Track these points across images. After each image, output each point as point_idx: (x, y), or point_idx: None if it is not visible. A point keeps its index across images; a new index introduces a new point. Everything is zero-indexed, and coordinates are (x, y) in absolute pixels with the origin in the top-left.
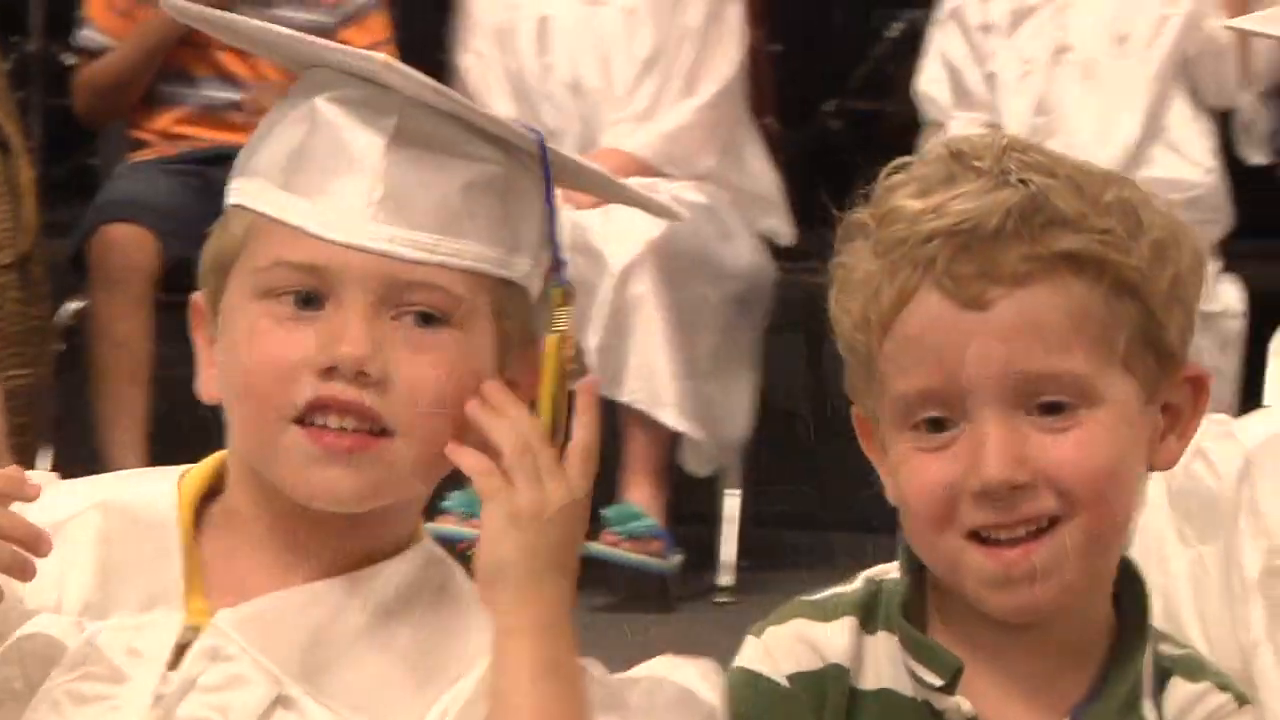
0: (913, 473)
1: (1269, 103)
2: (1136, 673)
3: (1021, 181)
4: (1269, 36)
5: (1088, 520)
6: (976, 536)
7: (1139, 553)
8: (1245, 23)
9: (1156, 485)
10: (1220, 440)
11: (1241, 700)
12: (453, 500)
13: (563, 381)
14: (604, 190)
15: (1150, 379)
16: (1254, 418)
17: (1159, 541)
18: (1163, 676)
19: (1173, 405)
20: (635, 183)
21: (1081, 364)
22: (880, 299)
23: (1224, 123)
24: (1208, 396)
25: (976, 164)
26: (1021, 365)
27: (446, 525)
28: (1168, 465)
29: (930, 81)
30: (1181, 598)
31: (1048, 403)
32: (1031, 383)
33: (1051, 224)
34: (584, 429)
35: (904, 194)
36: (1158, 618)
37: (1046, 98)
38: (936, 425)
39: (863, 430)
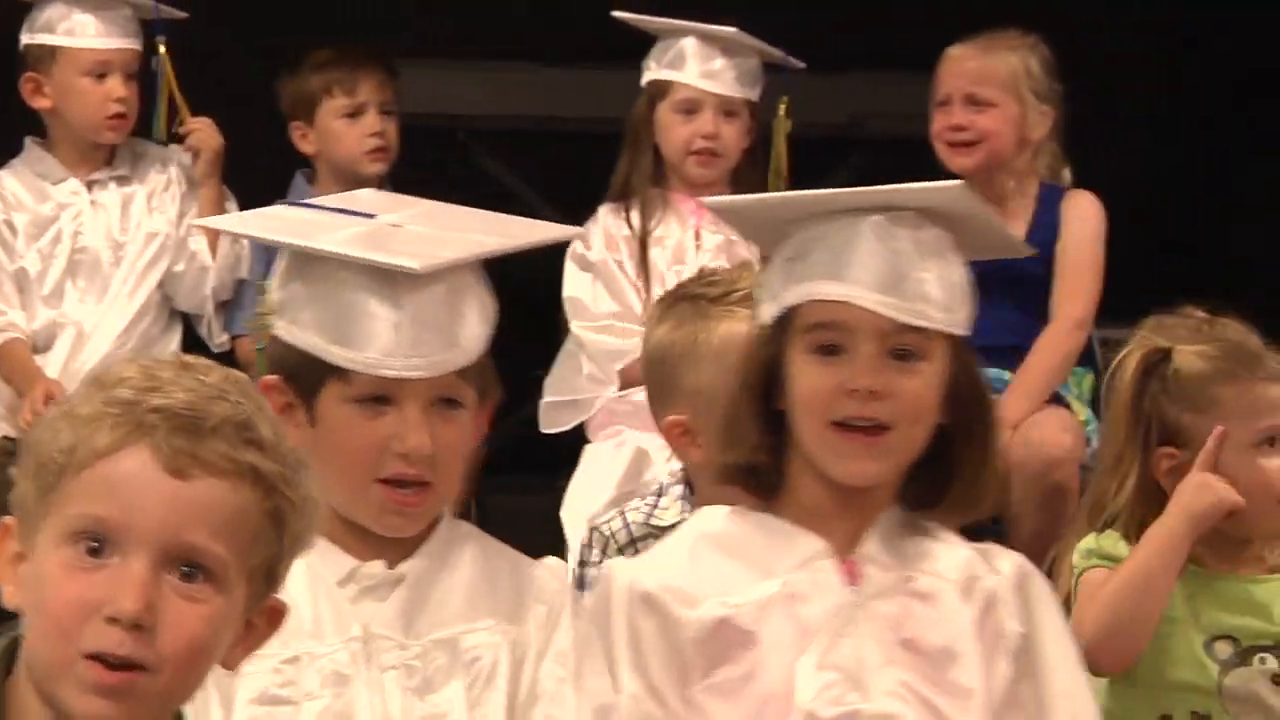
0: (59, 586)
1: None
2: None
3: (237, 401)
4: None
5: (169, 680)
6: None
7: None
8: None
9: None
10: None
11: None
12: None
13: None
14: None
15: (256, 595)
16: None
17: None
18: None
19: (252, 623)
20: None
21: (228, 553)
22: (95, 439)
23: None
24: (278, 627)
25: (201, 377)
26: (184, 535)
27: None
28: (229, 667)
29: None
30: None
31: (190, 568)
32: (185, 550)
33: (252, 442)
34: None
35: (129, 385)
36: None
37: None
38: (95, 552)
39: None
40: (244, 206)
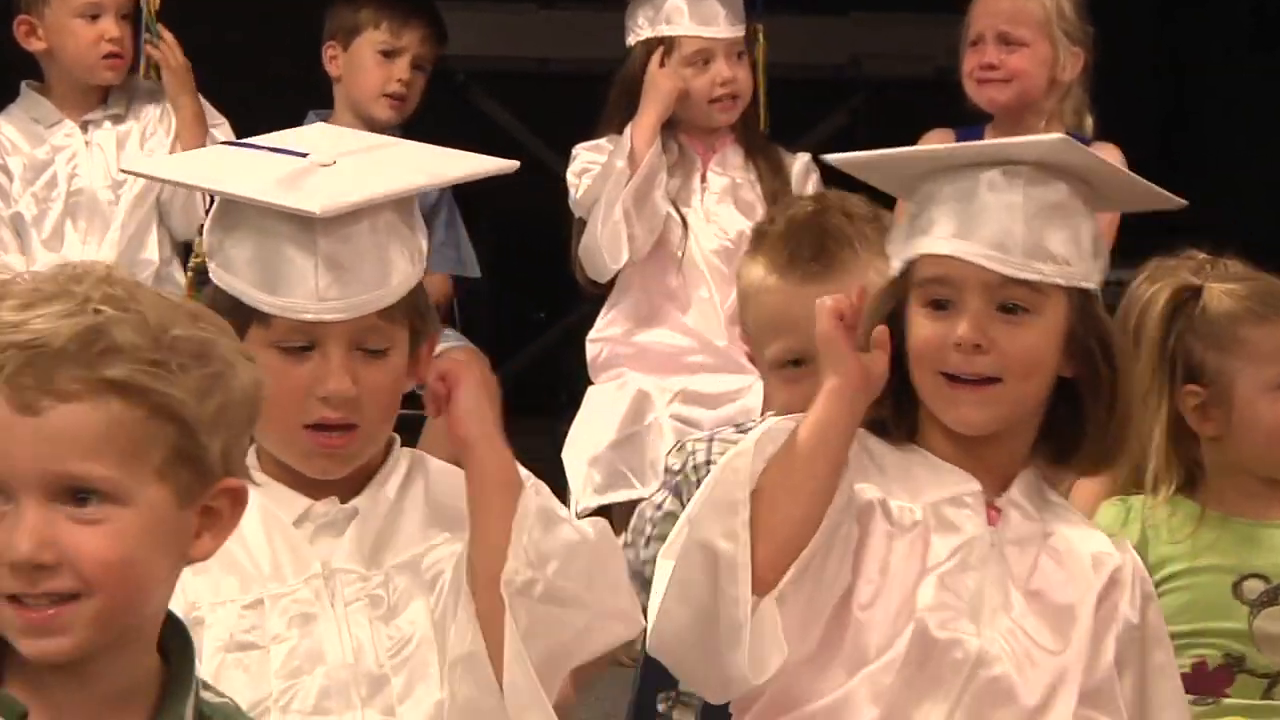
0: None
1: None
2: (180, 716)
3: (96, 310)
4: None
5: (103, 600)
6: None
7: None
8: None
9: None
10: None
11: None
12: None
13: None
14: None
15: (185, 488)
16: None
17: None
18: None
19: (212, 509)
20: None
21: (111, 470)
22: None
23: None
24: (244, 504)
25: (73, 288)
26: (56, 466)
27: None
28: (200, 557)
29: None
30: None
31: (80, 494)
32: (64, 479)
33: (106, 352)
34: None
35: (5, 306)
36: None
37: None
38: None
39: None
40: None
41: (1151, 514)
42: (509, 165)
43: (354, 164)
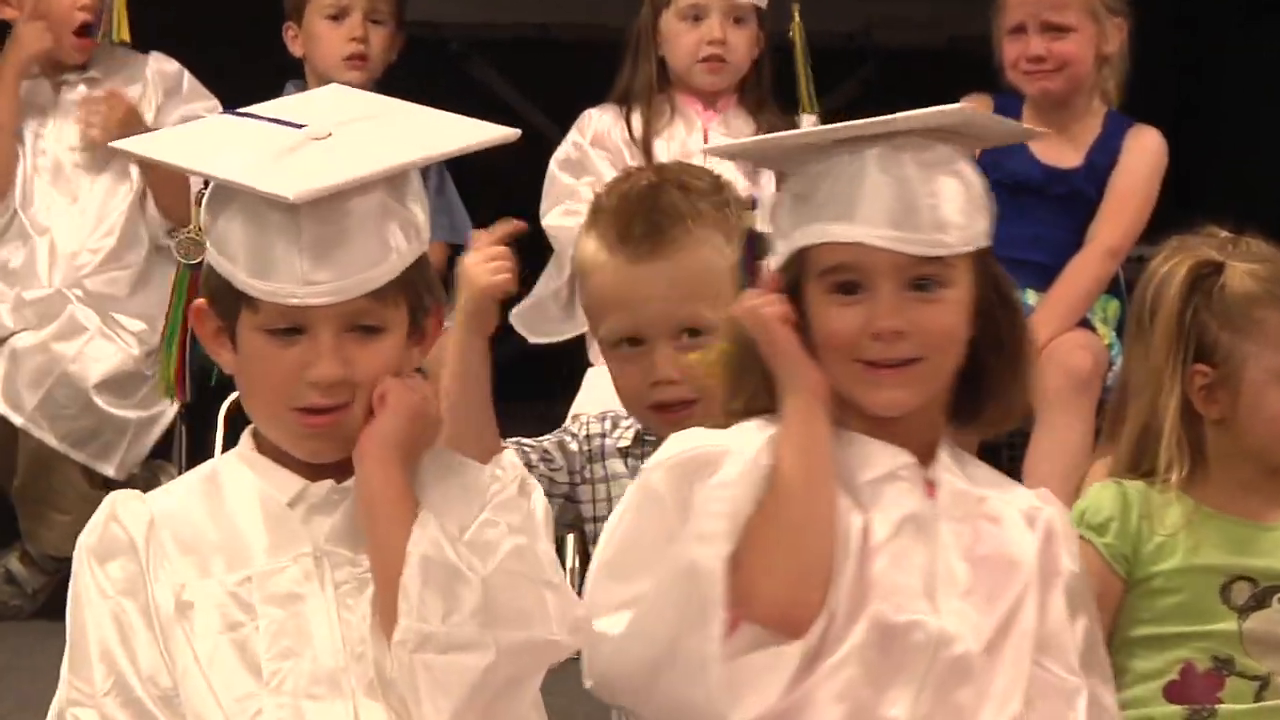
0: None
1: None
2: None
3: None
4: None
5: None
6: None
7: None
8: None
9: None
10: None
11: None
12: None
13: None
14: None
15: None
16: None
17: None
18: None
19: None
20: None
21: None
22: None
23: None
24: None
25: None
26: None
27: None
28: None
29: None
30: None
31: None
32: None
33: None
34: None
35: None
36: None
37: None
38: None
39: None
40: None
41: (1148, 503)
42: (510, 134)
43: (349, 137)
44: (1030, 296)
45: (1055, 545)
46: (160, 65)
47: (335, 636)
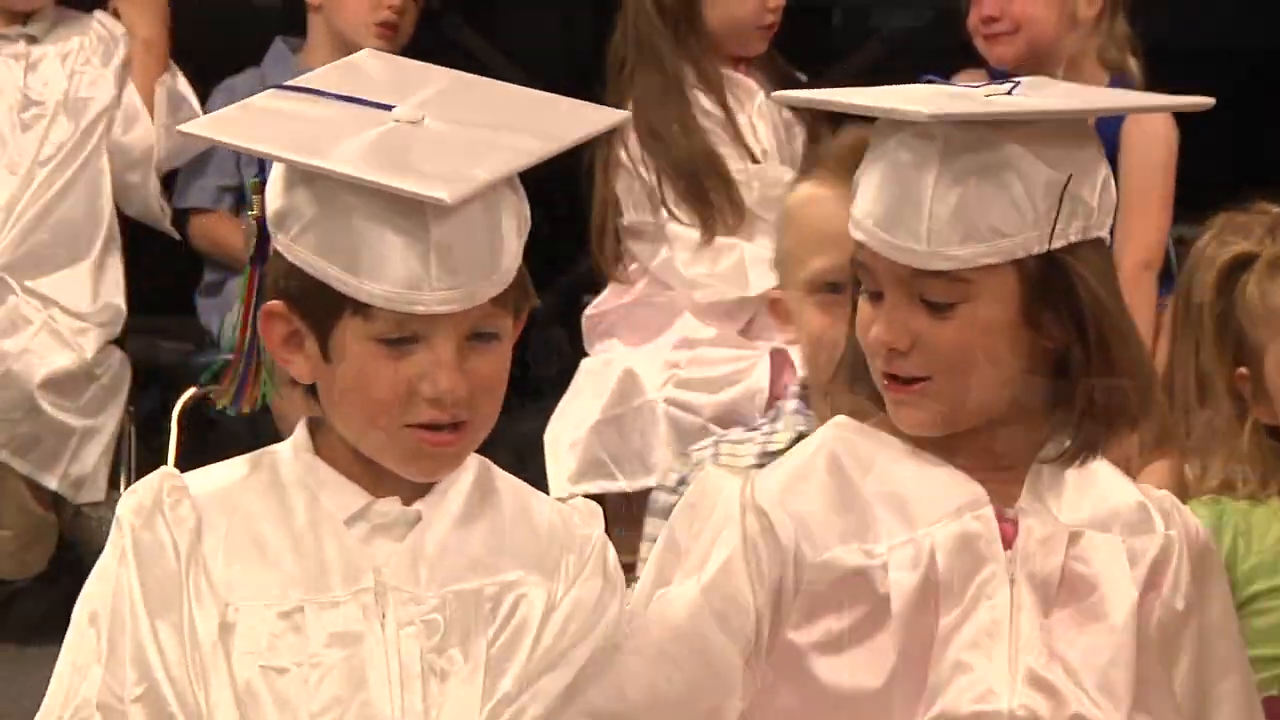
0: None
1: None
2: None
3: None
4: None
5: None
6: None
7: None
8: None
9: None
10: None
11: None
12: None
13: None
14: None
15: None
16: None
17: None
18: None
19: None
20: None
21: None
22: None
23: None
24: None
25: None
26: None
27: None
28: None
29: None
30: None
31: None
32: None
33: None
34: None
35: None
36: None
37: None
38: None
39: None
40: (209, 80)
41: (1243, 519)
42: (623, 116)
43: (447, 123)
44: None
45: (1163, 581)
46: (105, 26)
47: (393, 682)
